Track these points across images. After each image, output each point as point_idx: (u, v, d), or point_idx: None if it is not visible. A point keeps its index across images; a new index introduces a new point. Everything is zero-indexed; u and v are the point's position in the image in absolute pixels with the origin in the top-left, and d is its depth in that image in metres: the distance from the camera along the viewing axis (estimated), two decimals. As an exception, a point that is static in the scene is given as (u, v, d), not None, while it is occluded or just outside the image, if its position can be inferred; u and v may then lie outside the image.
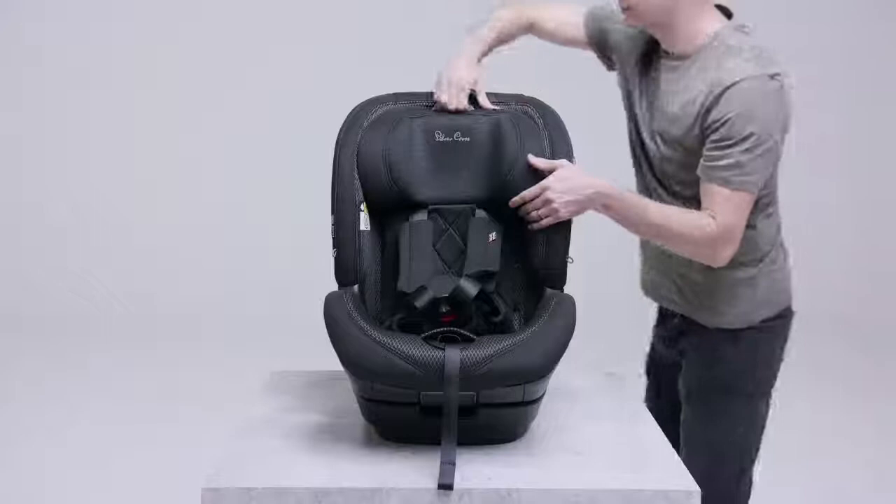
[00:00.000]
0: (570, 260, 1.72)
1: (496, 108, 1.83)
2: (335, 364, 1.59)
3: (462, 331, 1.53)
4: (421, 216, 1.76)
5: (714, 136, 1.73)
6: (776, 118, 1.75)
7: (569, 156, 1.76)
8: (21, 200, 5.44)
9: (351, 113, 1.79)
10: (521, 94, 1.85)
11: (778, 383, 2.02)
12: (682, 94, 1.80)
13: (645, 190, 1.94)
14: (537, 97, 1.85)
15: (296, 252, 4.95)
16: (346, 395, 1.73)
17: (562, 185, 1.69)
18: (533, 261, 1.73)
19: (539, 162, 1.72)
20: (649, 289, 2.07)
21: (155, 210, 5.43)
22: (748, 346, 1.93)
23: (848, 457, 3.55)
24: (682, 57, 1.82)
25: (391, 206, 1.76)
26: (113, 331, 4.93)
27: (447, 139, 1.78)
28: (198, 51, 5.34)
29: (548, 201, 1.69)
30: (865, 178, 5.47)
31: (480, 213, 1.77)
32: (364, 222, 1.72)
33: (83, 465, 3.37)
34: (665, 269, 1.98)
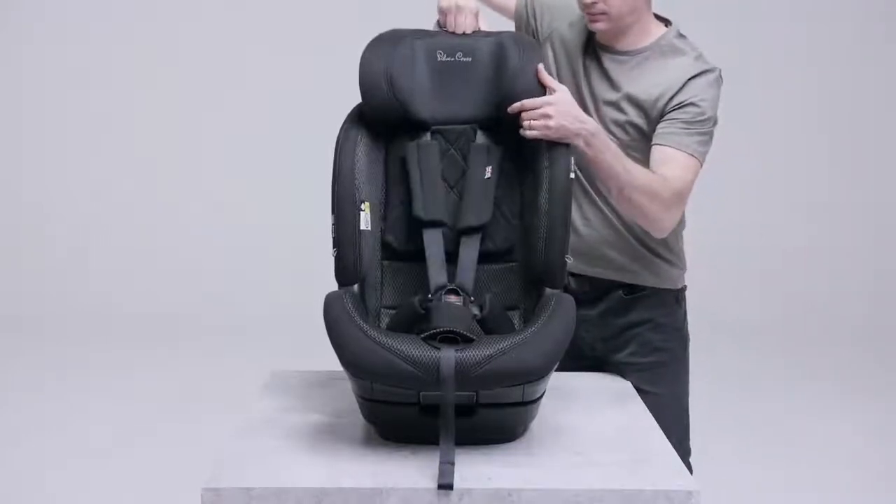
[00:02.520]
0: (569, 259, 1.73)
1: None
2: (335, 364, 1.59)
3: (462, 331, 1.53)
4: (425, 139, 1.77)
5: (681, 116, 1.90)
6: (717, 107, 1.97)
7: (567, 154, 1.76)
8: (21, 200, 5.44)
9: (351, 112, 1.80)
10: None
11: None
12: (640, 82, 1.95)
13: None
14: None
15: (296, 252, 4.95)
16: (346, 395, 1.73)
17: (564, 106, 1.75)
18: (532, 260, 1.73)
19: (546, 77, 1.78)
20: (586, 268, 2.07)
21: (155, 210, 5.43)
22: (684, 302, 2.13)
23: (849, 457, 3.55)
24: (628, 52, 1.97)
25: (394, 122, 1.77)
26: (113, 331, 4.93)
27: (449, 59, 1.80)
28: (198, 51, 5.34)
29: (546, 116, 1.73)
30: (864, 177, 5.47)
31: (481, 136, 1.79)
32: (364, 222, 1.72)
33: (83, 465, 3.37)
34: (617, 239, 2.03)
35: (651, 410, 1.86)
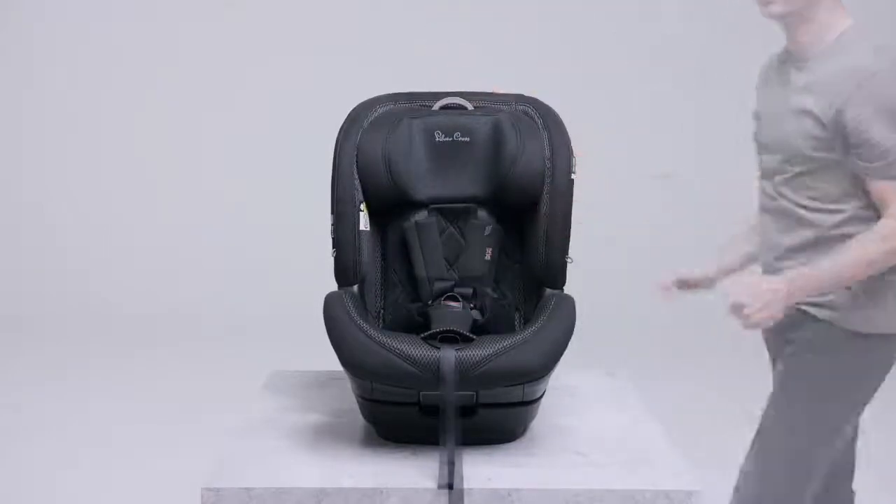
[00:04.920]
0: (569, 260, 1.72)
1: (507, 96, 1.83)
2: (335, 364, 1.59)
3: (462, 331, 1.53)
4: (422, 215, 1.76)
5: (865, 136, 1.73)
6: None
7: (568, 155, 1.76)
8: (21, 200, 5.44)
9: (351, 113, 1.79)
10: (522, 94, 1.85)
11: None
12: (813, 90, 1.80)
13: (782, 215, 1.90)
14: (537, 97, 1.85)
15: (296, 252, 4.95)
16: (346, 395, 1.73)
17: (753, 288, 1.73)
18: (532, 261, 1.73)
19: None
20: None
21: (155, 210, 5.43)
22: (850, 348, 1.90)
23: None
24: (807, 58, 1.83)
25: (391, 205, 1.76)
26: (113, 331, 4.93)
27: (447, 139, 1.78)
28: (198, 51, 5.34)
29: (767, 305, 1.71)
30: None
31: (482, 212, 1.77)
32: (364, 222, 1.72)
33: (83, 465, 3.37)
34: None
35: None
